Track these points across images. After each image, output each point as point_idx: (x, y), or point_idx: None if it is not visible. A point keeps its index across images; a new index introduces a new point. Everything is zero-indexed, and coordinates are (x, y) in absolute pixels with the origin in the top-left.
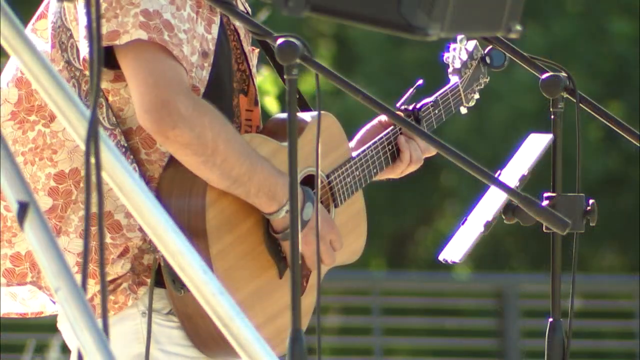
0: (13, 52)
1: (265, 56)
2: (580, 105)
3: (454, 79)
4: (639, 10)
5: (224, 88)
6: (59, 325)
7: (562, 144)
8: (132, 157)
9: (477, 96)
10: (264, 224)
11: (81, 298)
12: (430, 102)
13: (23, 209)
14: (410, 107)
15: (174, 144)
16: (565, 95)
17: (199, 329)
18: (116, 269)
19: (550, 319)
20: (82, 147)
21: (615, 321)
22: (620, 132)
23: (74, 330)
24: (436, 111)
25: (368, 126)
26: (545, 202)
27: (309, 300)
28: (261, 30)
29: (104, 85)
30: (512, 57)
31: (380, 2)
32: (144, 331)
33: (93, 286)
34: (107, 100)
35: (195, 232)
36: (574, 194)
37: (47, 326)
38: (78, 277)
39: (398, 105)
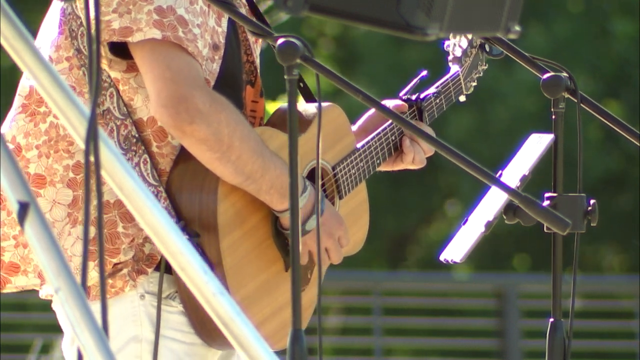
0: (13, 52)
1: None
2: (582, 105)
3: (454, 68)
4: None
5: (234, 80)
6: (54, 306)
7: (563, 144)
8: (143, 148)
9: (475, 83)
10: (272, 219)
11: (81, 298)
12: (433, 92)
13: (23, 209)
14: (413, 98)
15: (190, 139)
16: (567, 95)
17: (205, 319)
18: (120, 255)
19: (551, 319)
20: (82, 146)
21: (616, 321)
22: (621, 133)
23: (74, 331)
24: (437, 101)
25: (370, 112)
26: (546, 203)
27: (311, 293)
28: (261, 31)
29: (115, 74)
30: (513, 57)
31: (379, 2)
32: (141, 314)
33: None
34: (117, 90)
35: (206, 226)
36: (574, 194)
37: (52, 326)
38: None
39: (401, 95)
